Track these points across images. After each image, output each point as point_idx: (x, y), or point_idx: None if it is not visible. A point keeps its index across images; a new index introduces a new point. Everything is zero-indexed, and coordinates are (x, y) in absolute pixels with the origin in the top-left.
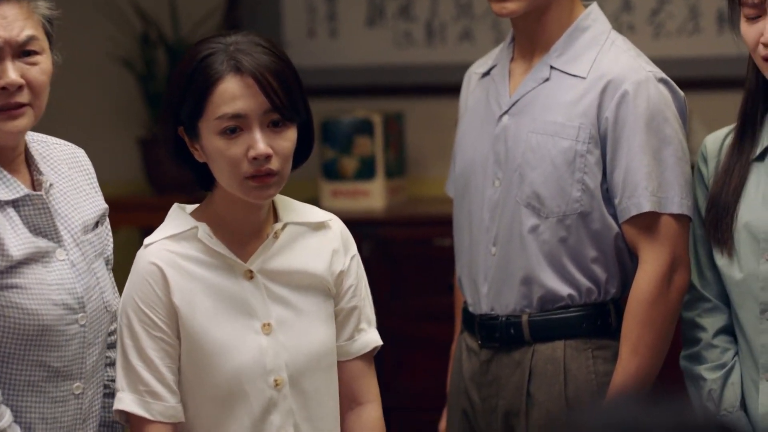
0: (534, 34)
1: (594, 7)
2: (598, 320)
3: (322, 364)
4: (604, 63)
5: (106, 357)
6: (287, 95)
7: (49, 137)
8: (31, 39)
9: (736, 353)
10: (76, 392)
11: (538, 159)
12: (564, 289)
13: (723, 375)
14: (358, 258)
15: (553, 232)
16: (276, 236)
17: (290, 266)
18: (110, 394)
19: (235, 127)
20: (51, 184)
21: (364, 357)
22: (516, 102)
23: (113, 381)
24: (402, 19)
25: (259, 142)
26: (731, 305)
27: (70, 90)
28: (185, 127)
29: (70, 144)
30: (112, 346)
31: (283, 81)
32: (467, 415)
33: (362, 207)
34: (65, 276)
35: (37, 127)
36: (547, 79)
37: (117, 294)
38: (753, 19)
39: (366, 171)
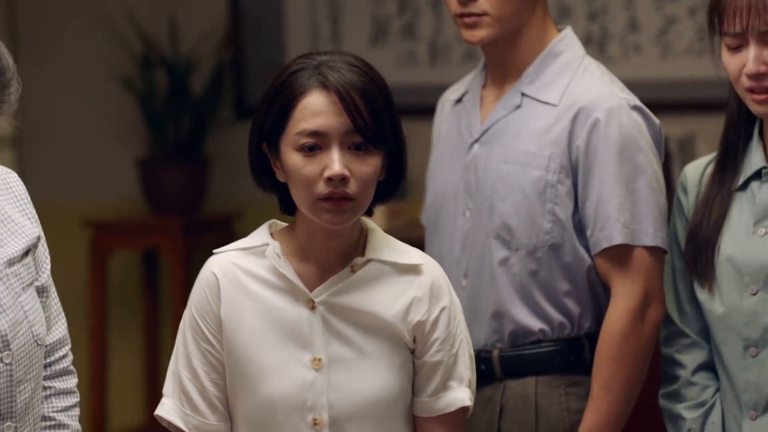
0: (505, 60)
1: (568, 32)
2: (572, 356)
3: (375, 414)
4: (576, 90)
5: (47, 388)
6: (373, 117)
7: None
8: None
9: (717, 390)
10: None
11: (508, 189)
12: (536, 324)
13: (703, 413)
14: (452, 311)
15: (524, 265)
16: (353, 270)
17: (359, 305)
18: (55, 426)
19: (314, 144)
20: None
21: (448, 417)
22: (487, 130)
23: (59, 411)
24: (406, 39)
25: (336, 162)
26: (712, 341)
27: (70, 110)
28: (268, 144)
29: (1, 168)
30: (52, 376)
31: (369, 102)
32: None
33: None
34: None
35: (37, 146)
36: (518, 107)
37: (60, 320)
38: (735, 49)
39: None
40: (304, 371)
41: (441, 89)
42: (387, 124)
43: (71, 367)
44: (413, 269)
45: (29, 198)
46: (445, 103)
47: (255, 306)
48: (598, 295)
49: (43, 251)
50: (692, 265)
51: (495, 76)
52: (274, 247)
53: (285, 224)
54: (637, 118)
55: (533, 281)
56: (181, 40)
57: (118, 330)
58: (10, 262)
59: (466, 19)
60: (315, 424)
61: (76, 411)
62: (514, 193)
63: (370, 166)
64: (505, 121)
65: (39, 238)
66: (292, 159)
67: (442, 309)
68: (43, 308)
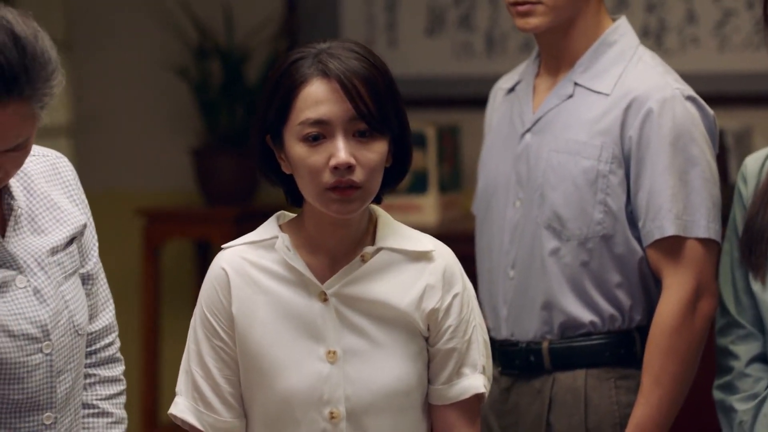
0: (559, 49)
1: (622, 21)
2: (622, 348)
3: (392, 405)
4: (629, 79)
5: (91, 375)
6: (376, 103)
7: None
8: (20, 144)
9: None
10: (47, 422)
11: (559, 179)
12: (586, 316)
13: (755, 406)
14: (465, 297)
15: (575, 256)
16: (364, 260)
17: (371, 295)
18: (98, 413)
19: (318, 134)
20: (19, 211)
21: (462, 404)
22: (539, 119)
23: (103, 399)
24: (462, 29)
25: (341, 151)
26: (767, 332)
27: (125, 98)
28: (272, 136)
29: (50, 153)
30: (97, 363)
31: (372, 88)
32: None
33: (414, 222)
34: (25, 304)
35: (92, 135)
36: (570, 96)
37: (107, 307)
38: None
39: (418, 185)
40: (320, 364)
41: (497, 80)
42: (390, 109)
43: (118, 355)
44: (425, 256)
45: (79, 183)
46: (497, 93)
47: (267, 300)
48: (649, 288)
49: (90, 237)
50: (747, 255)
51: (548, 65)
52: (284, 239)
53: (293, 215)
54: (690, 108)
55: (584, 272)
56: (236, 29)
57: (170, 319)
58: (54, 251)
59: (520, 8)
60: (332, 417)
61: (121, 399)
62: (565, 182)
63: (375, 152)
64: (557, 111)
65: (85, 226)
66: (297, 150)
67: (455, 295)
68: (89, 295)
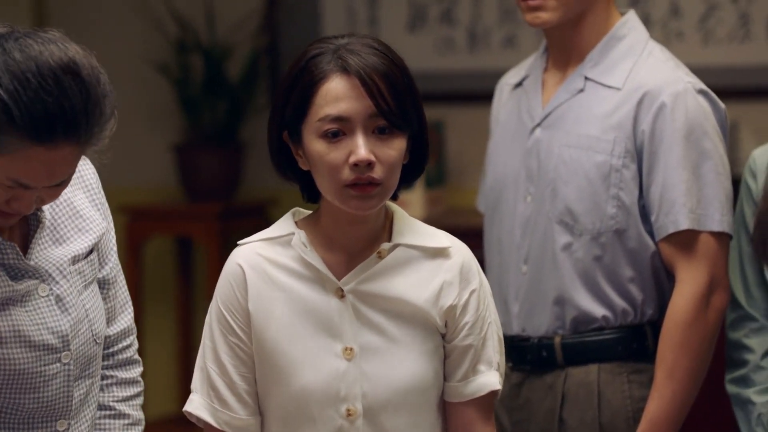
0: (568, 43)
1: (631, 15)
2: (634, 343)
3: (409, 402)
4: (640, 74)
5: (108, 377)
6: (396, 100)
7: None
8: (63, 181)
9: None
10: (60, 429)
11: (571, 174)
12: (599, 310)
13: None
14: (482, 294)
15: (587, 250)
16: (380, 256)
17: (388, 291)
18: (114, 415)
19: (338, 130)
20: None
21: (479, 402)
22: (549, 114)
23: (120, 401)
24: (444, 24)
25: (361, 148)
26: None
27: None
28: (289, 132)
29: None
30: (115, 366)
31: (392, 84)
32: None
33: None
34: (47, 314)
35: None
36: (581, 90)
37: (126, 310)
38: None
39: None
40: (336, 361)
41: (479, 75)
42: (410, 106)
43: (136, 357)
44: (442, 252)
45: (100, 186)
46: (503, 88)
47: (283, 297)
48: (662, 282)
49: (109, 239)
50: (761, 249)
51: (557, 60)
52: (300, 236)
53: (308, 212)
54: (702, 102)
55: (597, 267)
56: (218, 26)
57: (152, 315)
58: (75, 260)
59: (530, 2)
60: (349, 414)
61: (139, 400)
62: (578, 177)
63: (395, 149)
64: (568, 105)
65: (105, 231)
66: (316, 146)
67: (472, 292)
68: (107, 299)
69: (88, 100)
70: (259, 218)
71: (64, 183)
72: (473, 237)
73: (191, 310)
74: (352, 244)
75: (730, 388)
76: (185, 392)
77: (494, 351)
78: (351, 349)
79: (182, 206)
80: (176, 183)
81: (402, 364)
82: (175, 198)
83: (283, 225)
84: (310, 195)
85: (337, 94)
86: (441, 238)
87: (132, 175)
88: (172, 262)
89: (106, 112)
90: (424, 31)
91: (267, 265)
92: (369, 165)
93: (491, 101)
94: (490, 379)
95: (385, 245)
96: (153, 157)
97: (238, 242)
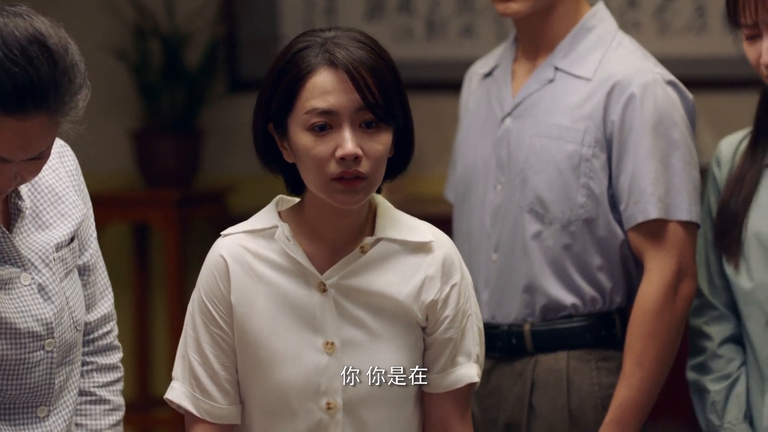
0: (538, 34)
1: (600, 6)
2: (603, 330)
3: (389, 396)
4: (610, 64)
5: (89, 363)
6: (382, 94)
7: None
8: (42, 152)
9: (743, 363)
10: (41, 415)
11: (541, 163)
12: (568, 298)
13: (727, 386)
14: (463, 288)
15: (557, 239)
16: (363, 251)
17: (370, 286)
18: (95, 401)
19: (325, 124)
20: (26, 212)
21: (456, 393)
22: (519, 104)
23: (100, 387)
24: (402, 14)
25: (348, 142)
26: (739, 315)
27: None
28: (275, 124)
29: (56, 141)
30: (95, 351)
31: (379, 79)
32: None
33: None
34: (31, 302)
35: None
36: (551, 81)
37: (106, 295)
38: (751, 38)
39: None
40: (317, 355)
41: (437, 65)
42: (396, 100)
43: (116, 342)
44: (424, 247)
45: (80, 171)
46: (473, 77)
47: (266, 290)
48: (630, 270)
49: (89, 225)
50: (720, 240)
51: (527, 50)
52: (284, 229)
53: (292, 200)
54: (671, 93)
55: (566, 255)
56: (176, 12)
57: None
58: (58, 247)
59: None
60: (329, 408)
61: (119, 386)
62: (548, 167)
63: (381, 143)
64: (538, 95)
65: (86, 216)
66: (302, 139)
67: (453, 286)
68: (87, 285)
69: (55, 69)
70: (216, 205)
71: (42, 156)
72: (434, 224)
73: (148, 296)
74: (336, 237)
75: (690, 375)
76: (143, 380)
77: (473, 343)
78: (332, 344)
79: (140, 193)
80: (134, 169)
81: (382, 360)
82: (133, 184)
83: (267, 216)
84: (295, 187)
85: (324, 88)
86: (424, 232)
87: (89, 161)
88: (129, 248)
89: (76, 81)
90: (382, 21)
91: (250, 257)
92: (356, 159)
93: (449, 90)
94: (468, 371)
95: (368, 239)
96: (111, 143)
97: (222, 232)
